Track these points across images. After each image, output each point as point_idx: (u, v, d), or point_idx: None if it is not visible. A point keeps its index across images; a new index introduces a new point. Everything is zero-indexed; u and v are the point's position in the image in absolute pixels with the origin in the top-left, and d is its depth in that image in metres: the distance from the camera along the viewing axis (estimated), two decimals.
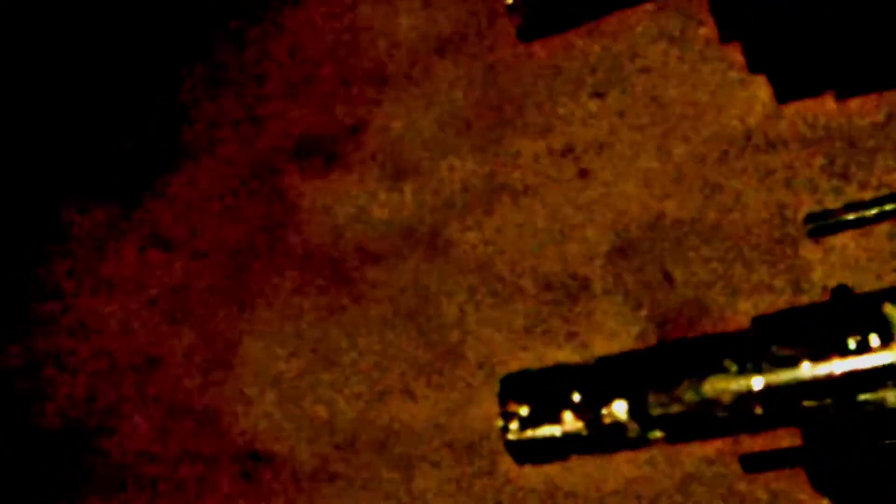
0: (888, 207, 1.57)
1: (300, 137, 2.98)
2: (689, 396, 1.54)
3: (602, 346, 2.67)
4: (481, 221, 2.83)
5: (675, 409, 1.55)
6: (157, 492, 2.89)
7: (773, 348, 1.52)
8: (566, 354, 2.70)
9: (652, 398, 1.58)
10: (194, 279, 3.01)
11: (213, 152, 3.02)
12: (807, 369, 1.49)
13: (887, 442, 1.48)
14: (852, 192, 2.45)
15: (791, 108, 2.60)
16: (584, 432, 1.64)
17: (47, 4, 3.00)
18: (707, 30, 2.73)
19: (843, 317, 1.47)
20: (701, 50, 2.72)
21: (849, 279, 2.42)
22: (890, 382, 1.43)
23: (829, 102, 2.53)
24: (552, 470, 2.67)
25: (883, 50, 2.21)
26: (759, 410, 1.51)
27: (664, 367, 1.60)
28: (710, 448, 2.51)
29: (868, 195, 2.44)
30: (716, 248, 2.60)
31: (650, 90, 2.79)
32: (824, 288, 2.45)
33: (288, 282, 2.94)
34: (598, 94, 2.75)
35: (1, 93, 3.12)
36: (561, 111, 2.81)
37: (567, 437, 1.65)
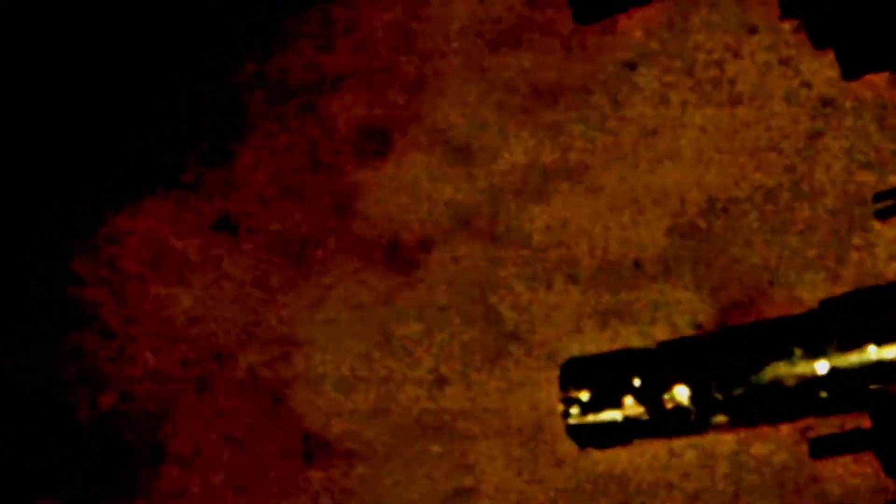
0: None
1: (357, 124, 2.99)
2: (753, 381, 1.53)
3: (663, 331, 2.64)
4: (539, 206, 2.82)
5: (739, 393, 1.54)
6: (218, 473, 2.92)
7: (839, 331, 1.49)
8: (627, 339, 2.68)
9: (715, 383, 1.57)
10: (257, 263, 3.03)
11: (272, 140, 3.04)
12: (873, 352, 1.46)
13: None
14: None
15: (858, 84, 2.56)
16: (646, 417, 1.63)
17: None
18: (772, 9, 2.69)
19: None
20: (765, 28, 2.68)
21: None
22: None
23: None
24: (614, 455, 2.66)
25: None
26: (824, 394, 1.49)
27: (727, 351, 1.58)
28: (775, 433, 2.48)
29: None
30: (781, 230, 2.57)
31: (712, 70, 2.76)
32: (893, 270, 2.41)
33: (347, 267, 2.95)
34: (662, 81, 2.72)
35: (65, 75, 3.16)
36: (619, 94, 2.79)
37: (628, 421, 1.64)
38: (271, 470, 2.83)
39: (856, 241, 2.53)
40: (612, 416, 1.67)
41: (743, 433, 2.43)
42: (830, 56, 2.55)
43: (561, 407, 1.68)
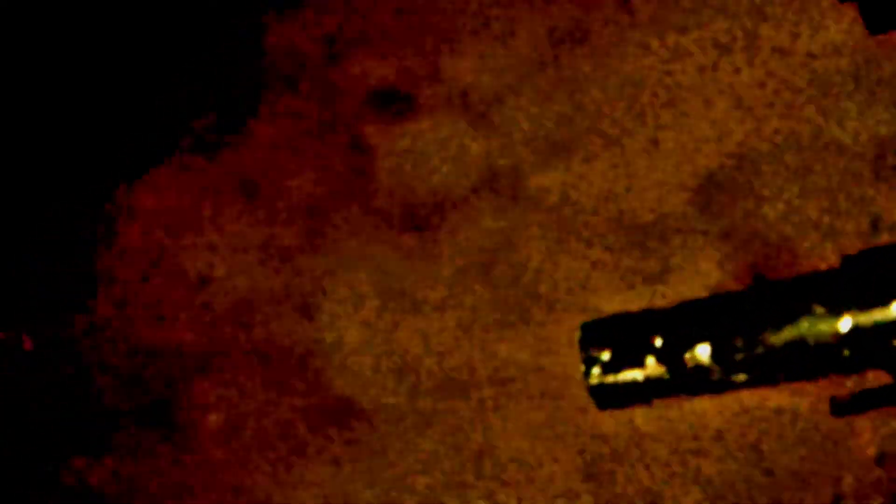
0: None
1: (377, 85, 2.98)
2: (775, 339, 1.52)
3: (686, 290, 2.64)
4: (560, 165, 2.81)
5: (760, 351, 1.53)
6: (245, 439, 2.94)
7: (862, 288, 1.48)
8: (649, 298, 2.68)
9: (736, 342, 1.56)
10: (276, 225, 3.03)
11: (289, 104, 3.03)
12: None
13: None
14: None
15: (882, 38, 2.52)
16: (667, 377, 1.63)
17: None
18: None
19: None
20: None
21: None
22: None
23: None
24: (635, 415, 2.66)
25: None
26: (846, 352, 1.48)
27: (749, 309, 1.57)
28: (798, 391, 2.48)
29: None
30: (807, 186, 2.55)
31: (738, 24, 2.73)
32: None
33: (366, 230, 2.95)
34: (682, 31, 2.69)
35: (78, 42, 3.15)
36: (640, 52, 2.76)
37: (649, 381, 1.64)
38: (292, 432, 2.84)
39: (881, 195, 2.51)
40: (633, 376, 1.66)
41: (765, 392, 2.42)
42: (854, 10, 2.51)
43: (582, 367, 1.68)
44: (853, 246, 2.48)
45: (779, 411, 2.51)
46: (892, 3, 2.12)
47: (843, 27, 2.58)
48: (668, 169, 2.72)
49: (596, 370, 1.68)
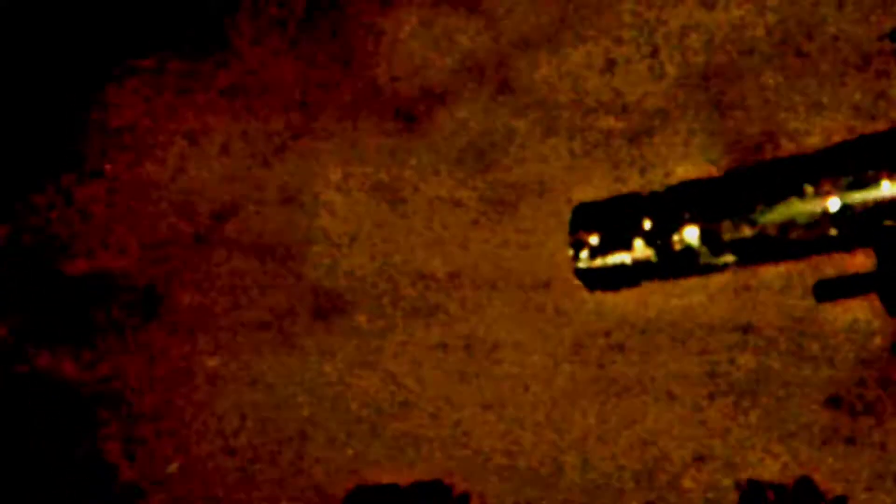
0: None
1: None
2: (763, 219, 1.52)
3: (676, 175, 2.63)
4: (548, 58, 2.78)
5: (748, 232, 1.53)
6: (235, 331, 2.95)
7: (852, 168, 1.47)
8: (639, 184, 2.67)
9: (724, 223, 1.56)
10: (263, 122, 3.01)
11: None
12: (886, 188, 1.45)
13: None
14: None
15: None
16: (655, 259, 1.63)
17: None
18: None
19: None
20: None
21: None
22: None
23: None
24: (623, 300, 2.67)
25: None
26: (834, 232, 1.48)
27: (737, 191, 1.57)
28: (781, 276, 2.49)
29: None
30: (796, 69, 2.53)
31: None
32: None
33: (355, 123, 2.93)
34: None
35: None
36: None
37: (637, 264, 1.64)
38: (281, 324, 2.85)
39: (873, 79, 2.49)
40: (621, 259, 1.66)
41: (751, 273, 2.43)
42: None
43: (570, 251, 1.68)
44: (843, 129, 2.47)
45: (763, 293, 2.52)
46: None
47: None
48: (659, 55, 2.69)
49: (584, 254, 1.68)
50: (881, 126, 2.40)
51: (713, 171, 2.59)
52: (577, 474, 2.73)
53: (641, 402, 2.72)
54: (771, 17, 2.52)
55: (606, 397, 2.74)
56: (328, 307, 2.88)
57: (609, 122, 2.66)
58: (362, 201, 2.89)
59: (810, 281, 2.45)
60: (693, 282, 2.47)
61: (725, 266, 1.59)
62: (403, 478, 2.84)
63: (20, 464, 2.90)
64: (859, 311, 2.39)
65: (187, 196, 2.97)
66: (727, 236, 1.56)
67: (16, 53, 3.04)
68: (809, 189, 1.49)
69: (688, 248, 1.59)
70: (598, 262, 1.68)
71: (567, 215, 2.72)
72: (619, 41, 2.70)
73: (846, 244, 1.50)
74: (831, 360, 2.53)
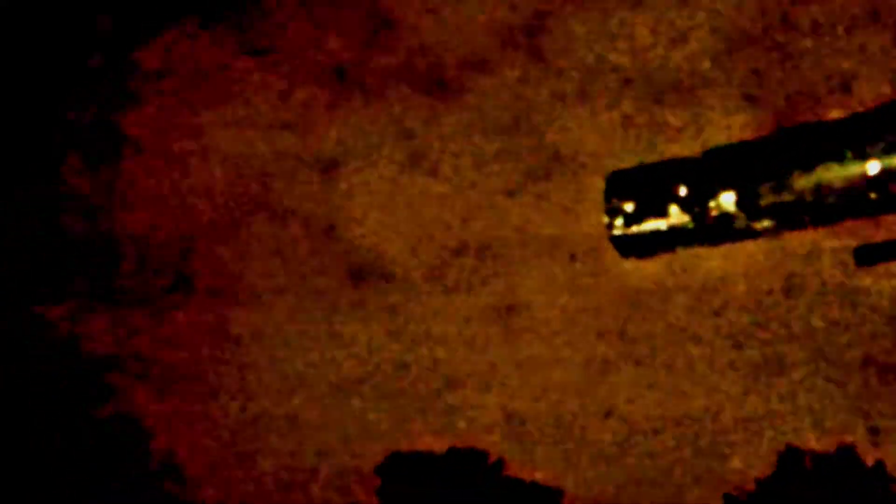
0: None
1: None
2: (801, 184, 1.50)
3: (713, 141, 2.61)
4: (583, 24, 2.76)
5: (786, 197, 1.52)
6: (268, 298, 2.96)
7: (891, 131, 1.46)
8: (676, 150, 2.65)
9: (762, 188, 1.55)
10: (293, 88, 3.01)
11: None
12: None
13: None
14: None
15: None
16: (691, 225, 1.62)
17: None
18: None
19: None
20: None
21: None
22: None
23: None
24: (658, 267, 2.66)
25: None
26: (873, 195, 1.47)
27: (775, 156, 1.56)
28: (819, 241, 2.47)
29: None
30: (835, 34, 2.49)
31: None
32: None
33: (388, 91, 2.92)
34: None
35: None
36: None
37: (672, 230, 1.64)
38: (316, 293, 2.86)
39: None
40: (656, 226, 1.66)
41: (789, 238, 2.41)
42: None
43: (605, 218, 1.68)
44: (880, 96, 2.44)
45: (803, 261, 2.50)
46: None
47: None
48: (696, 18, 2.66)
49: (619, 221, 1.68)
50: None
51: (749, 137, 2.57)
52: (613, 439, 2.74)
53: (679, 368, 2.71)
54: None
55: (643, 365, 2.74)
56: (363, 276, 2.88)
57: (645, 88, 2.64)
58: (396, 169, 2.89)
59: (850, 246, 2.43)
60: (729, 248, 2.45)
61: (762, 232, 1.58)
62: (439, 444, 2.85)
63: (51, 434, 2.95)
64: None
65: (222, 165, 2.99)
66: (764, 201, 1.55)
67: (45, 17, 3.06)
68: (848, 153, 1.48)
69: (724, 214, 1.59)
70: (634, 228, 1.68)
71: (602, 183, 2.71)
72: (654, 7, 2.68)
73: (885, 207, 1.48)
74: (870, 326, 2.51)
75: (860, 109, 2.41)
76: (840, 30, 2.54)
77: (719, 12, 2.65)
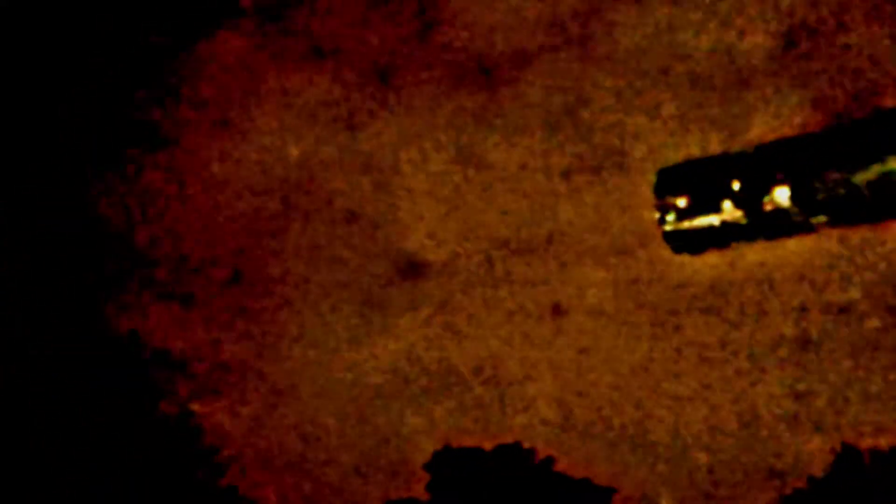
0: None
1: None
2: (858, 178, 1.48)
3: (767, 136, 2.57)
4: (635, 15, 2.73)
5: (842, 192, 1.49)
6: (316, 296, 2.97)
7: None
8: (729, 145, 2.62)
9: (817, 182, 1.52)
10: (344, 86, 3.01)
11: None
12: None
13: None
14: None
15: None
16: (744, 221, 1.60)
17: None
18: None
19: None
20: None
21: None
22: None
23: None
24: (714, 262, 2.63)
25: None
26: None
27: (831, 150, 1.53)
28: (881, 235, 2.42)
29: None
30: (891, 26, 2.45)
31: None
32: None
33: (438, 85, 2.92)
34: None
35: None
36: None
37: (726, 225, 1.62)
38: (367, 290, 2.86)
39: None
40: (709, 221, 1.64)
41: (845, 234, 2.38)
42: None
43: (657, 214, 1.66)
44: None
45: (862, 256, 2.46)
46: None
47: None
48: (751, 13, 2.62)
49: (671, 216, 1.66)
50: None
51: (805, 131, 2.53)
52: (666, 437, 2.71)
53: (730, 367, 2.68)
54: None
55: (695, 361, 2.71)
56: (411, 272, 2.88)
57: (697, 82, 2.61)
58: (443, 166, 2.88)
59: None
60: (784, 243, 2.42)
61: (817, 226, 1.56)
62: (486, 441, 2.84)
63: (105, 426, 2.97)
64: None
65: (267, 164, 2.99)
66: (819, 196, 1.53)
67: (99, 16, 3.08)
68: None
69: (778, 209, 1.56)
70: (686, 224, 1.66)
71: (653, 178, 2.68)
72: (705, 0, 2.64)
73: None
74: None
75: None
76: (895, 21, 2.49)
77: (774, 4, 2.61)
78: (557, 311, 2.75)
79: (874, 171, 1.45)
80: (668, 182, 1.61)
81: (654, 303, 2.67)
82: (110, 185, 3.04)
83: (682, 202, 1.60)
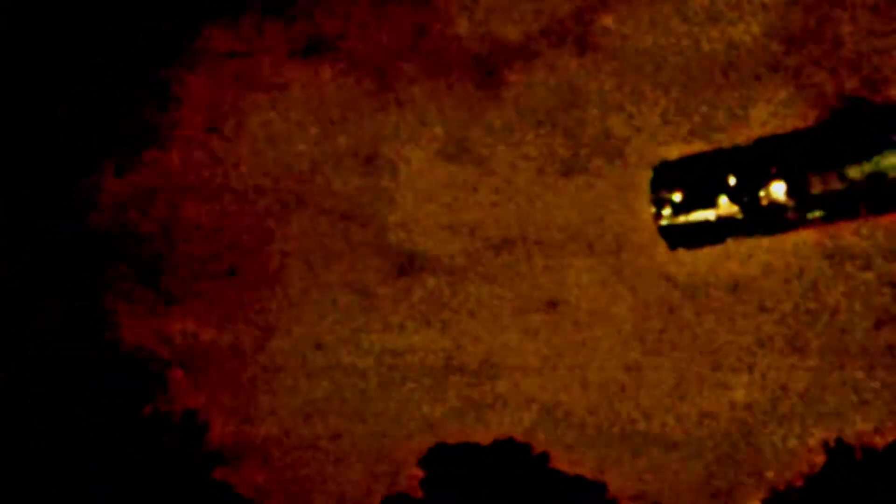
0: None
1: None
2: (853, 173, 1.49)
3: (763, 131, 2.58)
4: (630, 12, 2.74)
5: (838, 186, 1.51)
6: (312, 291, 2.97)
7: None
8: (726, 140, 2.63)
9: (812, 177, 1.54)
10: (338, 81, 3.01)
11: None
12: None
13: None
14: None
15: None
16: (740, 216, 1.61)
17: None
18: None
19: None
20: None
21: None
22: None
23: None
24: (710, 256, 2.64)
25: None
26: None
27: (826, 144, 1.55)
28: (873, 231, 2.44)
29: None
30: (888, 22, 2.46)
31: None
32: None
33: (432, 83, 2.92)
34: None
35: None
36: None
37: (722, 220, 1.63)
38: (364, 285, 2.87)
39: None
40: (704, 216, 1.65)
41: (840, 229, 2.39)
42: None
43: (652, 209, 1.67)
44: None
45: (854, 251, 2.48)
46: None
47: None
48: (747, 10, 2.64)
49: (666, 211, 1.67)
50: None
51: (800, 126, 2.54)
52: (660, 433, 2.72)
53: (725, 363, 2.69)
54: None
55: (688, 357, 2.72)
56: (405, 267, 2.88)
57: (694, 77, 2.62)
58: (440, 161, 2.89)
59: None
60: (779, 238, 2.43)
61: (813, 221, 1.57)
62: (483, 437, 2.85)
63: (104, 425, 2.97)
64: None
65: (266, 158, 3.00)
66: (815, 191, 1.54)
67: (94, 15, 3.08)
68: None
69: (774, 204, 1.58)
70: (682, 219, 1.67)
71: (650, 173, 2.69)
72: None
73: None
74: None
75: None
76: (894, 17, 2.51)
77: (770, 1, 2.62)
78: (553, 306, 2.76)
79: (869, 166, 1.47)
80: (665, 177, 1.63)
81: (649, 298, 2.68)
82: (109, 185, 3.04)
83: (678, 197, 1.62)
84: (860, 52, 2.51)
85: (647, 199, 2.57)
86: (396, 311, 2.88)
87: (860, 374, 2.52)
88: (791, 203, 1.49)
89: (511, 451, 2.74)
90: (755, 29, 2.60)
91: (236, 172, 3.00)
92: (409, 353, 2.87)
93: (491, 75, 2.86)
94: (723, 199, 1.56)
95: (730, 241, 1.66)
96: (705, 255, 2.57)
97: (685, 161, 1.60)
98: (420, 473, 2.79)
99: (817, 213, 1.49)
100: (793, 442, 2.56)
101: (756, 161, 1.52)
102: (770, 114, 2.58)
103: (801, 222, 1.52)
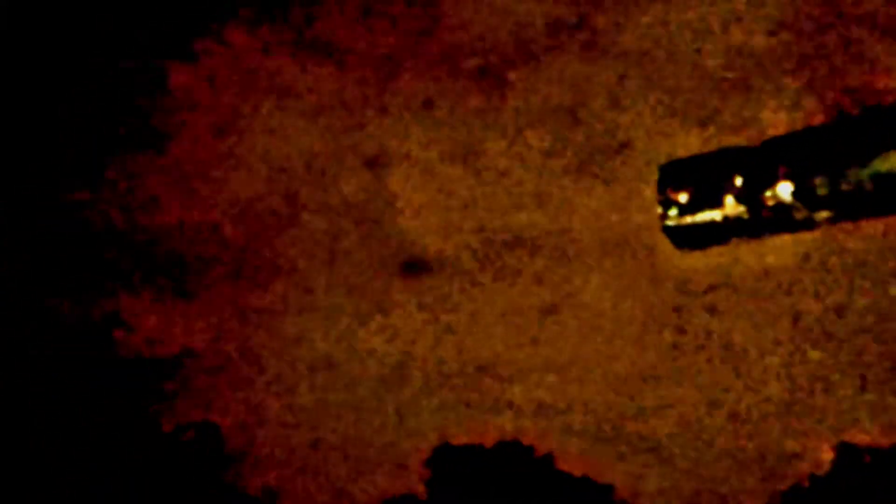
0: None
1: None
2: (861, 174, 1.48)
3: (770, 130, 2.57)
4: (636, 12, 2.73)
5: (845, 187, 1.49)
6: (316, 292, 2.97)
7: None
8: (732, 140, 2.62)
9: (820, 178, 1.52)
10: (340, 81, 3.01)
11: None
12: None
13: None
14: None
15: None
16: (747, 216, 1.60)
17: None
18: None
19: None
20: None
21: None
22: None
23: None
24: (714, 260, 2.63)
25: None
26: None
27: (834, 144, 1.53)
28: (879, 233, 2.43)
29: None
30: (892, 21, 2.45)
31: None
32: None
33: (436, 85, 2.91)
34: None
35: None
36: None
37: (728, 221, 1.62)
38: (367, 286, 2.86)
39: None
40: (711, 216, 1.64)
41: (848, 230, 2.38)
42: None
43: (659, 209, 1.66)
44: None
45: (863, 252, 2.46)
46: None
47: None
48: (753, 8, 2.63)
49: (673, 211, 1.66)
50: None
51: (807, 126, 2.53)
52: (664, 435, 2.71)
53: (730, 365, 2.68)
54: None
55: (694, 359, 2.71)
56: (411, 269, 2.88)
57: (699, 76, 2.61)
58: (446, 162, 2.88)
59: None
60: (785, 239, 2.42)
61: (821, 223, 1.56)
62: (487, 438, 2.85)
63: (105, 426, 2.97)
64: None
65: (268, 159, 2.99)
66: (822, 191, 1.53)
67: (100, 8, 3.08)
68: None
69: (781, 205, 1.56)
70: (688, 219, 1.66)
71: (655, 173, 2.68)
72: None
73: None
74: None
75: None
76: None
77: (775, 0, 2.61)
78: (557, 308, 2.75)
79: (878, 166, 1.45)
80: (670, 177, 1.61)
81: (654, 299, 2.67)
82: (110, 185, 3.04)
83: (683, 197, 1.60)
84: (870, 52, 2.50)
85: (653, 199, 2.56)
86: (400, 312, 2.87)
87: (868, 375, 2.50)
88: (798, 204, 1.47)
89: (513, 454, 2.73)
90: (764, 29, 2.59)
91: (238, 175, 3.00)
92: (410, 354, 2.86)
93: (494, 77, 2.85)
94: (729, 200, 1.54)
95: (736, 242, 1.65)
96: (712, 256, 2.56)
97: (691, 161, 1.58)
98: (424, 475, 2.79)
99: (825, 214, 1.47)
100: (798, 443, 2.55)
101: (763, 161, 1.51)
102: (777, 114, 2.57)
103: (808, 223, 1.51)
